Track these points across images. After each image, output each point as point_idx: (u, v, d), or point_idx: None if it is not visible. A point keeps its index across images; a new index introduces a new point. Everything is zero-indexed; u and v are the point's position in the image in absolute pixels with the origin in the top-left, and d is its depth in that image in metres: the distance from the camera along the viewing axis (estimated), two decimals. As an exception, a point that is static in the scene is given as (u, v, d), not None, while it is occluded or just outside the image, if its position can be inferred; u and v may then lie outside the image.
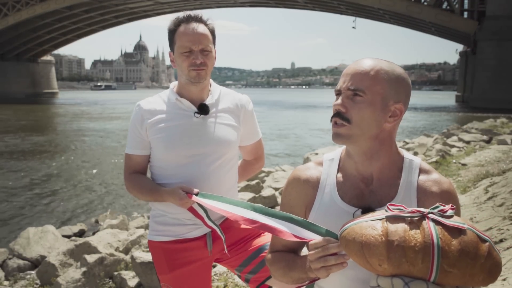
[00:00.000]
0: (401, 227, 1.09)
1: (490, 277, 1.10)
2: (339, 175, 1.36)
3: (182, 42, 1.90)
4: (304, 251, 1.35)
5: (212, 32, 1.96)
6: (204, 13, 1.97)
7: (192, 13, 1.94)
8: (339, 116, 1.26)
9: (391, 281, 1.08)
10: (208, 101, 1.98)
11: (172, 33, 1.94)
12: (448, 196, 1.29)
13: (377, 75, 1.25)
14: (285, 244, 1.39)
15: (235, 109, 2.04)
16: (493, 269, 1.10)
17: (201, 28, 1.92)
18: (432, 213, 1.12)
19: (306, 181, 1.38)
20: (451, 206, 1.15)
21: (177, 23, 1.94)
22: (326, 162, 1.40)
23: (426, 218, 1.11)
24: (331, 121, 1.29)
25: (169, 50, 2.00)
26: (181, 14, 1.96)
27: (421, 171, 1.33)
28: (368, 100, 1.24)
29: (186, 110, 1.96)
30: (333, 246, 1.17)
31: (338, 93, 1.29)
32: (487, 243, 1.11)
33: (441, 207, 1.14)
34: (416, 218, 1.11)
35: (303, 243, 1.35)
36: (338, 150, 1.42)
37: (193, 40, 1.89)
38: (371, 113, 1.25)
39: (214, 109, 1.99)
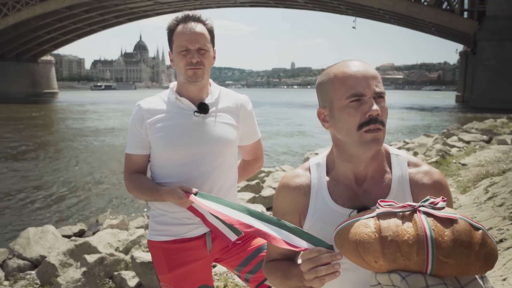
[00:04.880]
0: (393, 222, 1.11)
1: (487, 265, 1.10)
2: (329, 178, 1.35)
3: (179, 41, 1.91)
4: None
5: (211, 31, 1.96)
6: (203, 13, 1.98)
7: (191, 12, 1.95)
8: (377, 121, 1.23)
9: (388, 277, 1.08)
10: (207, 100, 1.98)
11: (171, 32, 1.95)
12: (439, 186, 1.30)
13: (380, 78, 1.29)
14: (281, 252, 1.39)
15: (234, 108, 2.05)
16: (489, 256, 1.10)
17: (198, 27, 1.92)
18: (423, 206, 1.13)
19: (296, 188, 1.36)
20: (442, 198, 1.16)
21: (176, 23, 1.95)
22: (313, 167, 1.38)
23: (417, 212, 1.12)
24: (362, 127, 1.23)
25: (169, 50, 2.00)
26: (180, 14, 1.97)
27: (410, 164, 1.34)
28: (385, 102, 1.27)
29: (185, 109, 1.96)
30: (325, 257, 1.16)
31: (358, 99, 1.24)
32: (481, 231, 1.11)
33: (432, 200, 1.15)
34: (408, 213, 1.12)
35: (298, 251, 1.36)
36: (323, 154, 1.41)
37: (190, 39, 1.89)
38: (387, 114, 1.29)
39: (213, 108, 1.99)
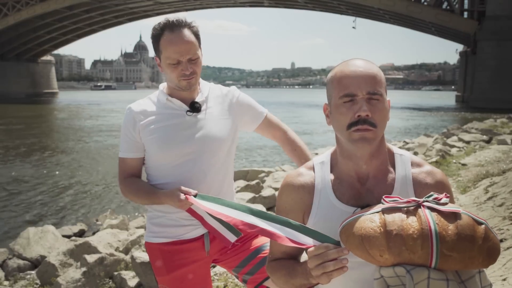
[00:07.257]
0: (398, 216, 1.13)
1: (489, 258, 1.12)
2: (333, 177, 1.37)
3: (168, 53, 1.86)
4: (304, 256, 1.35)
5: (197, 35, 1.92)
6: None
7: (174, 19, 1.89)
8: (366, 122, 1.25)
9: (393, 270, 1.11)
10: (198, 99, 1.98)
11: (157, 39, 1.90)
12: (442, 186, 1.34)
13: (381, 77, 1.31)
14: (284, 251, 1.40)
15: (225, 102, 2.04)
16: (492, 250, 1.12)
17: (186, 35, 1.87)
18: (427, 201, 1.16)
19: (301, 187, 1.38)
20: (445, 195, 1.19)
21: (161, 31, 1.88)
22: (317, 165, 1.40)
23: (421, 207, 1.15)
24: (351, 127, 1.26)
25: (155, 55, 1.96)
26: (163, 20, 1.90)
27: (413, 164, 1.36)
28: (382, 102, 1.28)
29: (177, 109, 1.95)
30: (332, 252, 1.18)
31: (351, 99, 1.26)
32: (483, 226, 1.14)
33: (436, 195, 1.18)
34: (412, 208, 1.15)
35: (302, 249, 1.36)
36: (327, 152, 1.43)
37: (180, 51, 1.85)
38: (386, 113, 1.30)
39: (205, 106, 1.99)
